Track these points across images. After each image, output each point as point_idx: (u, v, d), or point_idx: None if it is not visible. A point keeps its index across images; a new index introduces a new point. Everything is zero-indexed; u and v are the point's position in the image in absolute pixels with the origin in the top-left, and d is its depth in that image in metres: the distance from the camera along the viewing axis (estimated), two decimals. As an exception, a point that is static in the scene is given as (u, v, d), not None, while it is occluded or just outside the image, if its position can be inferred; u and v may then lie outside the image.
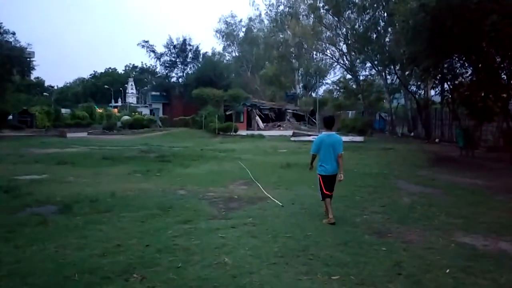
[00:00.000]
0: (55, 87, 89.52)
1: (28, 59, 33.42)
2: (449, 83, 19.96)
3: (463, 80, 18.18)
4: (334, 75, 47.01)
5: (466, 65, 17.60)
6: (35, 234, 5.14)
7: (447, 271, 4.01)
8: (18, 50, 29.10)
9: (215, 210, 6.63)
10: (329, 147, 5.97)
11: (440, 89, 24.42)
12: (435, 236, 5.21)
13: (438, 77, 21.24)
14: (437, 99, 29.22)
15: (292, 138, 27.09)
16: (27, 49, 31.52)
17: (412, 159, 14.91)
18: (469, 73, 17.71)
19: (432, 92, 29.61)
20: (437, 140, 24.46)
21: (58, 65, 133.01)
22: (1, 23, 28.59)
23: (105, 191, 8.03)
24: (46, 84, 79.45)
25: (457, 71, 18.68)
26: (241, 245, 4.71)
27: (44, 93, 64.27)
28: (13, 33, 29.05)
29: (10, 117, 35.87)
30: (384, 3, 28.85)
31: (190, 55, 47.90)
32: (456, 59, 17.96)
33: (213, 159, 14.78)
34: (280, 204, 6.92)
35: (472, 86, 16.78)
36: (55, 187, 8.65)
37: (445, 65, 18.91)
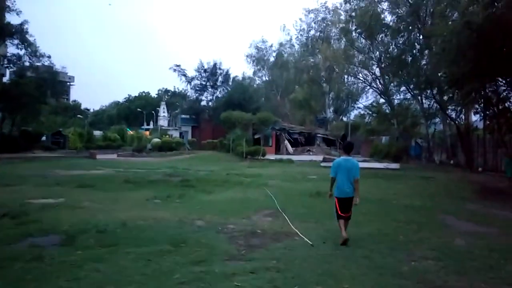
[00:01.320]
0: (91, 110, 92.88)
1: (68, 83, 34.39)
2: (494, 108, 18.55)
3: (510, 104, 16.84)
4: (367, 99, 45.62)
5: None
6: (24, 272, 4.45)
7: None
8: (53, 74, 29.91)
9: (234, 247, 5.74)
10: (346, 171, 6.14)
11: (483, 114, 22.81)
12: (508, 296, 4.10)
13: (481, 101, 19.89)
14: (479, 124, 27.43)
15: (322, 164, 25.91)
16: (66, 73, 32.43)
17: (457, 190, 13.51)
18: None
19: (474, 118, 27.86)
20: (480, 169, 22.63)
21: (96, 89, 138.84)
22: (38, 47, 29.63)
23: (117, 219, 7.36)
24: (83, 107, 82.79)
25: (504, 94, 17.36)
26: (261, 299, 3.80)
27: (79, 116, 66.34)
28: (49, 56, 29.99)
29: (44, 138, 36.76)
30: (419, 26, 27.85)
31: (220, 79, 48.22)
32: (503, 81, 16.71)
33: (238, 184, 13.97)
34: (310, 243, 5.95)
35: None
36: (66, 213, 8.08)
37: (490, 88, 17.65)
